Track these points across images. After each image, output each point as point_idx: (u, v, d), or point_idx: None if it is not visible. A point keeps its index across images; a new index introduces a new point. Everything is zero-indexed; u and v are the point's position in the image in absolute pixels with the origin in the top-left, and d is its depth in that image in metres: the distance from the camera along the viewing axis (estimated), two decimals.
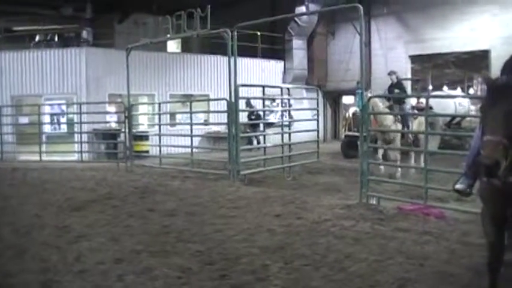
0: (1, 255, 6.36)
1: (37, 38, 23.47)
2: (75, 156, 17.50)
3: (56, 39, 24.09)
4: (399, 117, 12.98)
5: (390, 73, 13.99)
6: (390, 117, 12.77)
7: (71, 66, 19.65)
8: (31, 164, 16.08)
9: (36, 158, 16.83)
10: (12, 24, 24.46)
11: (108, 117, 19.38)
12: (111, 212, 8.94)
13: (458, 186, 4.89)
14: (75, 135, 18.19)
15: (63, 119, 20.26)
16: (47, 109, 19.63)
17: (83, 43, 22.72)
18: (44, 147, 17.56)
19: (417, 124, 13.02)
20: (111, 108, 19.93)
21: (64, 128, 20.22)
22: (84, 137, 17.60)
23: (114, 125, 19.18)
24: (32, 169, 14.89)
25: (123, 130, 16.24)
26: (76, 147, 17.74)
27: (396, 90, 13.56)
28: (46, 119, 19.22)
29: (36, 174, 14.04)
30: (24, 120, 20.34)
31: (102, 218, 8.46)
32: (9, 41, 22.53)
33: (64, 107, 20.59)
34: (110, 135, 18.29)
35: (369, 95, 12.07)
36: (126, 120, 15.66)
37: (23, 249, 6.62)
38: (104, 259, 6.15)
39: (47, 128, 19.28)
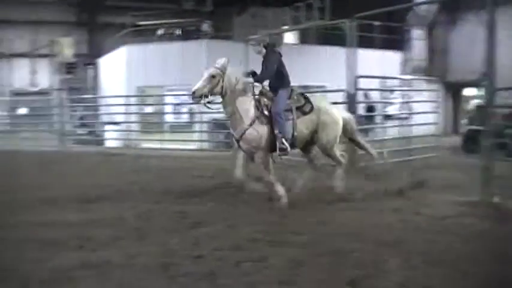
0: (124, 238, 6.69)
1: (160, 32, 24.46)
2: (195, 145, 18.08)
3: (178, 32, 24.99)
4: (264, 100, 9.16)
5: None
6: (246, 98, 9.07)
7: (192, 58, 20.30)
8: (153, 151, 16.79)
9: (158, 145, 17.52)
10: (137, 19, 25.75)
11: None
12: (228, 200, 9.12)
13: None
14: (196, 124, 18.81)
15: (184, 109, 21.00)
16: (168, 99, 20.40)
17: (204, 36, 23.40)
18: (165, 136, 18.27)
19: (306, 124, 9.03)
20: None
21: (185, 117, 20.94)
22: (204, 127, 18.13)
23: None
24: (154, 156, 15.56)
25: None
26: (196, 136, 18.34)
27: None
28: (168, 109, 20.00)
29: (158, 161, 14.64)
30: (147, 109, 21.31)
31: (219, 206, 8.65)
32: (135, 35, 23.74)
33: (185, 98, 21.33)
34: None
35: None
36: None
37: (145, 233, 6.93)
38: (221, 245, 6.28)
39: (168, 118, 20.04)
